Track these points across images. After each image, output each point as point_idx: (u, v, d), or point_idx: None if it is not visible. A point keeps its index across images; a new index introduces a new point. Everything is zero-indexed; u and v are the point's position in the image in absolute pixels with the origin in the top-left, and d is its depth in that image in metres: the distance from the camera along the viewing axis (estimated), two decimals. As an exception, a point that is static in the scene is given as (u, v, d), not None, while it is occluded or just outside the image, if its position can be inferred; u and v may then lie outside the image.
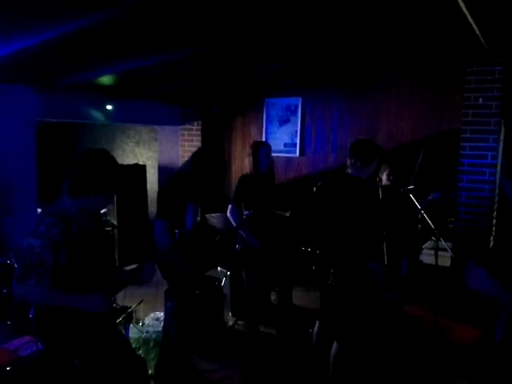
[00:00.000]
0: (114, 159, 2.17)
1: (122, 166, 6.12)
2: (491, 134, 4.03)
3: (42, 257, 1.93)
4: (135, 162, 6.98)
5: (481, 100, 4.03)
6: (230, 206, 3.73)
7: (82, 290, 2.04)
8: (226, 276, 4.34)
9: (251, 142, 3.92)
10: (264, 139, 5.56)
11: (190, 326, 3.18)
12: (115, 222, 5.61)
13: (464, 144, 4.18)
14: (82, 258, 2.07)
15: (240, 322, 4.23)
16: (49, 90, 4.39)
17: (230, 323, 4.26)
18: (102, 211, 5.38)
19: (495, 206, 4.20)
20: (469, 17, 2.70)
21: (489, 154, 4.07)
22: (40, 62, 3.39)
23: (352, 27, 2.96)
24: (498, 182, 4.16)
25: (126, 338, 2.64)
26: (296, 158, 5.50)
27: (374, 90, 4.94)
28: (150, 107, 5.66)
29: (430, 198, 4.31)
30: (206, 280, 3.95)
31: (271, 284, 4.17)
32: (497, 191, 4.19)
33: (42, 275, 1.93)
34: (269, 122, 5.66)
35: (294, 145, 5.50)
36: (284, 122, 5.57)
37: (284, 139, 5.58)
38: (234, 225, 3.72)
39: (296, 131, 5.48)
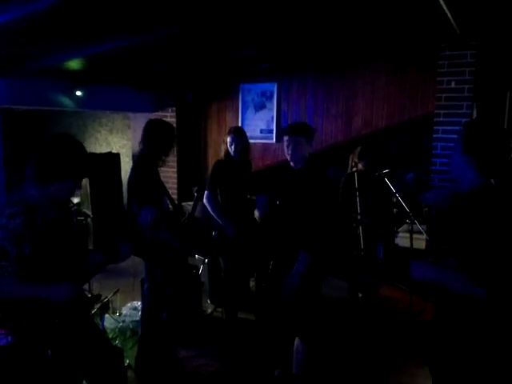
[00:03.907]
0: (79, 143, 2.09)
1: (95, 154, 5.96)
2: (463, 117, 4.08)
3: (4, 249, 1.85)
4: (109, 150, 6.82)
5: (453, 84, 4.07)
6: (206, 193, 3.69)
7: (49, 281, 1.97)
8: (203, 263, 4.30)
9: (228, 128, 3.88)
10: (240, 126, 5.51)
11: (182, 311, 3.16)
12: (88, 212, 5.48)
13: (437, 128, 4.22)
14: (48, 248, 2.00)
15: (219, 309, 4.22)
16: (15, 75, 4.22)
17: (209, 310, 4.24)
18: (76, 201, 5.24)
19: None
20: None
21: (461, 137, 4.13)
22: (3, 45, 3.24)
23: (327, 13, 2.92)
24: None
25: (99, 329, 2.59)
26: (273, 144, 5.47)
27: (349, 75, 4.93)
28: (122, 93, 5.51)
29: (404, 179, 4.36)
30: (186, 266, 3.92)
31: (249, 271, 4.17)
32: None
33: (5, 268, 1.86)
34: (245, 108, 5.61)
35: (271, 131, 5.47)
36: (260, 108, 5.52)
37: (260, 125, 5.54)
38: (211, 211, 3.69)
39: (272, 117, 5.44)
